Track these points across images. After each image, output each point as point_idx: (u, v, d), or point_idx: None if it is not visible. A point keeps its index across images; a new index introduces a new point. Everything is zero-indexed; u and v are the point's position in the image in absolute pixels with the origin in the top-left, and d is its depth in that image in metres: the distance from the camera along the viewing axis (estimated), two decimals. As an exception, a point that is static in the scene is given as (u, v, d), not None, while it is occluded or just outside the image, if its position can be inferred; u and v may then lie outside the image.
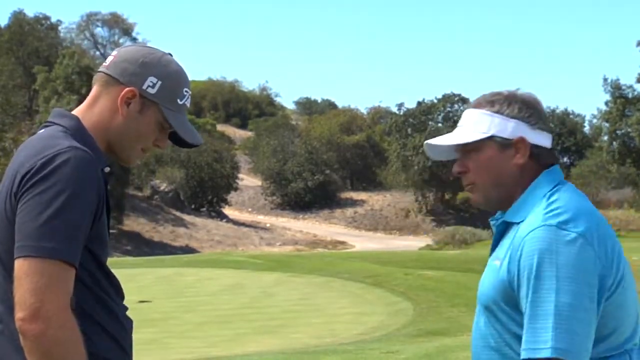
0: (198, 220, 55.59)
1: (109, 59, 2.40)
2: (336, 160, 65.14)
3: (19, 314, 2.06)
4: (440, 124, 64.90)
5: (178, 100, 2.40)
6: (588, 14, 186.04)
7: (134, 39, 63.24)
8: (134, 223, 52.03)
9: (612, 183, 56.15)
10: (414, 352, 9.63)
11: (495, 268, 2.45)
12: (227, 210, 60.43)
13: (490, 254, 2.54)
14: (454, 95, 66.08)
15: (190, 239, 51.26)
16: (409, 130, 64.49)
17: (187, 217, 55.46)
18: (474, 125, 2.50)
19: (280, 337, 11.65)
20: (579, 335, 2.29)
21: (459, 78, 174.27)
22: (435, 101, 65.77)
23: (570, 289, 2.29)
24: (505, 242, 2.45)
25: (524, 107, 2.50)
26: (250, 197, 65.78)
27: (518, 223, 2.44)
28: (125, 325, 2.30)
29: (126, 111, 2.33)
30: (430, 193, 61.53)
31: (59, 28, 57.67)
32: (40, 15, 55.86)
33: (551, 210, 2.38)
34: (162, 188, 58.32)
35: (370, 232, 57.66)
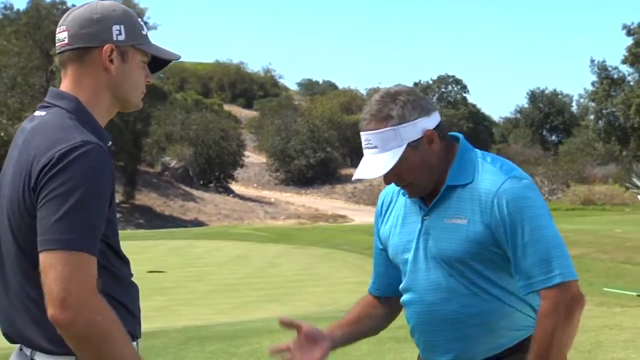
0: (206, 195, 55.61)
1: (63, 35, 2.30)
2: (337, 139, 65.04)
3: (49, 305, 2.04)
4: (435, 104, 64.89)
5: (142, 32, 2.36)
6: None
7: (145, 23, 63.09)
8: (145, 198, 52.06)
9: (598, 160, 56.09)
10: (410, 319, 9.64)
11: (460, 226, 2.56)
12: (233, 186, 60.43)
13: (427, 216, 2.62)
14: (448, 76, 65.98)
15: (199, 212, 51.30)
16: (406, 109, 64.40)
17: (196, 192, 55.48)
18: (387, 144, 2.55)
19: (284, 305, 11.69)
20: (567, 257, 2.52)
21: (453, 59, 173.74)
22: (431, 82, 65.66)
23: (550, 223, 2.53)
24: (462, 203, 2.56)
25: (415, 105, 2.57)
26: (256, 173, 65.75)
27: (466, 185, 2.56)
28: (131, 292, 2.29)
29: (113, 67, 2.29)
30: (425, 169, 61.53)
31: (75, 13, 57.38)
32: (57, 0, 55.62)
33: (501, 167, 2.56)
34: (172, 165, 58.29)
35: (369, 207, 57.63)
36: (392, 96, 2.57)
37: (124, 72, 2.31)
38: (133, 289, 2.31)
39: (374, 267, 2.91)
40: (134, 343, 2.26)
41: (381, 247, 2.83)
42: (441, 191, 2.59)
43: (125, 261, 2.29)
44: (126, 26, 2.31)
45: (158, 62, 2.43)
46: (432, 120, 2.58)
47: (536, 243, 2.48)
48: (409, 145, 2.54)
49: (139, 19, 2.38)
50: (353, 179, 2.67)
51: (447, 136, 2.63)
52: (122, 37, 2.30)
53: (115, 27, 2.29)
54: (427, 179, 2.59)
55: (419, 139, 2.55)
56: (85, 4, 2.36)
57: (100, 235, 2.11)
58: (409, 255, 2.66)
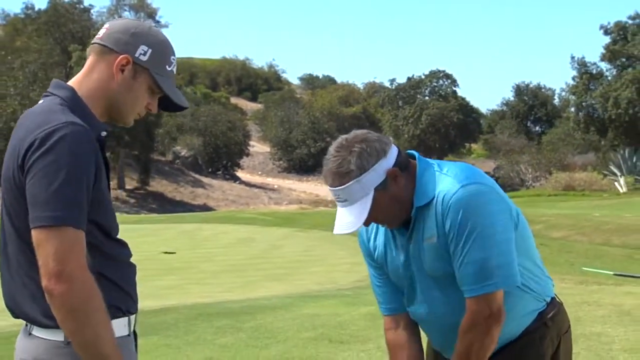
0: (214, 182, 55.62)
1: (102, 31, 2.30)
2: (336, 129, 64.90)
3: (44, 277, 2.01)
4: (427, 97, 64.66)
5: (167, 67, 2.32)
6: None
7: (157, 22, 62.98)
8: (158, 184, 52.07)
9: (578, 149, 56.09)
10: (404, 296, 9.63)
11: (432, 245, 2.46)
12: (239, 173, 60.43)
13: (411, 240, 2.53)
14: (439, 71, 65.74)
15: (207, 198, 51.32)
16: (400, 102, 64.29)
17: (204, 179, 55.49)
18: (354, 196, 2.44)
19: (286, 284, 11.70)
20: (508, 265, 2.41)
21: (444, 56, 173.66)
22: (423, 77, 65.48)
23: (498, 230, 2.39)
24: (429, 220, 2.46)
25: (371, 151, 2.43)
26: (260, 162, 65.73)
27: (429, 203, 2.45)
28: (125, 271, 2.26)
29: (121, 77, 2.26)
30: (418, 158, 61.42)
31: (92, 11, 57.21)
32: (75, 0, 55.47)
33: (456, 175, 2.43)
34: (182, 153, 58.28)
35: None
36: (346, 148, 2.43)
37: (128, 86, 2.27)
38: (128, 269, 2.27)
39: (377, 289, 2.77)
40: (127, 318, 2.23)
41: (377, 266, 2.73)
42: (412, 215, 2.49)
43: (119, 242, 2.25)
44: (154, 52, 2.28)
45: (171, 103, 2.38)
46: (390, 158, 2.45)
47: (476, 252, 2.37)
48: (375, 189, 2.43)
49: (173, 58, 2.34)
50: (333, 233, 2.53)
51: (407, 163, 2.50)
52: (143, 58, 2.27)
53: (142, 47, 2.27)
54: (400, 212, 2.50)
55: (384, 179, 2.44)
56: (141, 20, 2.38)
57: (86, 210, 2.08)
58: (410, 276, 2.60)
